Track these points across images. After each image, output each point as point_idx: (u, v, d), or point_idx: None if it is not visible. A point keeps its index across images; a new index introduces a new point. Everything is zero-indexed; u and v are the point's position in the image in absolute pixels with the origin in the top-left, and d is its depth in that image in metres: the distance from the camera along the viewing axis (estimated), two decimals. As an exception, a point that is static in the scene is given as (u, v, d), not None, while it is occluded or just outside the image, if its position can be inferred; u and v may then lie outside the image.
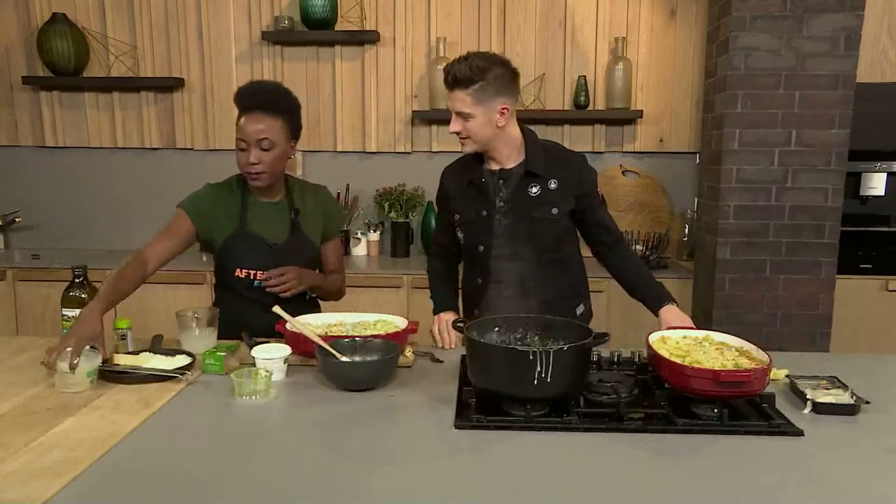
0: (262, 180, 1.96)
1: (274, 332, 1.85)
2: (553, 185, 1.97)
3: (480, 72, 1.83)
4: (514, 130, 1.97)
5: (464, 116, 1.88)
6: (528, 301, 2.00)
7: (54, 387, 1.60)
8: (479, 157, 2.01)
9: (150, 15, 3.70)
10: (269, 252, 2.02)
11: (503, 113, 1.89)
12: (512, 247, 2.00)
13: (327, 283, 2.16)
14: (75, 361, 1.56)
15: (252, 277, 2.03)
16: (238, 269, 2.03)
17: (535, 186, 1.97)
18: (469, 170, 2.03)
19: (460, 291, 2.21)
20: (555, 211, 1.98)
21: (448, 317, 2.05)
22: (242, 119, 1.93)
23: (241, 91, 1.99)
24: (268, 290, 1.96)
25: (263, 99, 1.95)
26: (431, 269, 2.24)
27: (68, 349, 1.56)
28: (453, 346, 1.99)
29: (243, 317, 2.00)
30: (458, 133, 1.92)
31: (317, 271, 2.16)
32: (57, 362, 1.56)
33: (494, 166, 2.00)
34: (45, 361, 1.59)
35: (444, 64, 1.95)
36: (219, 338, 1.94)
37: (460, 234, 2.08)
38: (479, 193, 2.01)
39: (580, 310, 2.14)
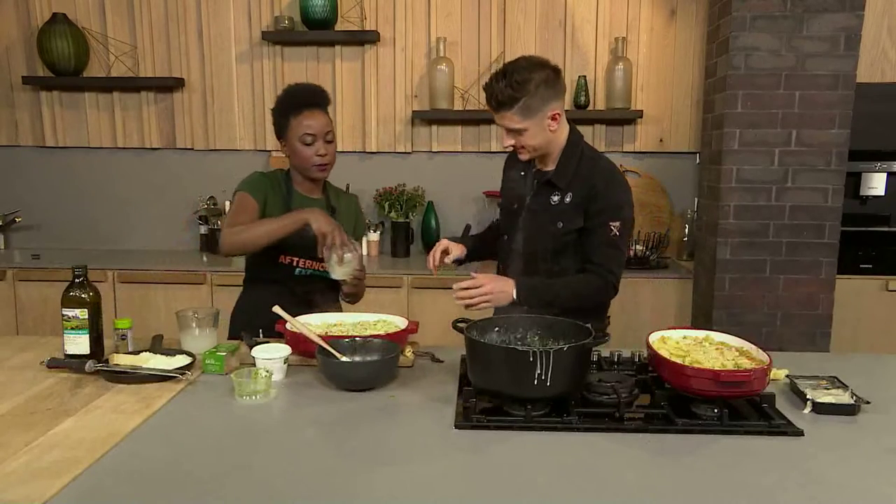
0: (327, 172, 2.12)
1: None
2: (569, 198, 1.93)
3: (521, 87, 1.79)
4: (563, 135, 1.94)
5: (516, 132, 1.86)
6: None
7: (333, 273, 1.92)
8: None
9: (151, 15, 3.70)
10: (313, 243, 2.01)
11: (555, 118, 1.86)
12: (522, 246, 2.00)
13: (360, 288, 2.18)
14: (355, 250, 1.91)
15: (294, 265, 2.09)
16: (283, 256, 2.09)
17: (557, 195, 1.95)
18: (523, 163, 2.03)
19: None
20: (560, 225, 1.94)
21: (448, 244, 2.00)
22: (303, 115, 2.04)
23: (298, 90, 2.12)
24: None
25: (321, 97, 2.11)
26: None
27: (346, 241, 1.87)
28: (434, 266, 1.95)
29: (277, 305, 1.93)
30: (513, 145, 1.91)
31: None
32: (344, 253, 1.87)
33: (540, 166, 2.00)
34: (330, 257, 1.88)
35: (484, 82, 1.89)
36: (249, 327, 1.95)
37: (500, 217, 2.13)
38: (519, 187, 2.04)
39: None
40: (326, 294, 2.13)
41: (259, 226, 1.96)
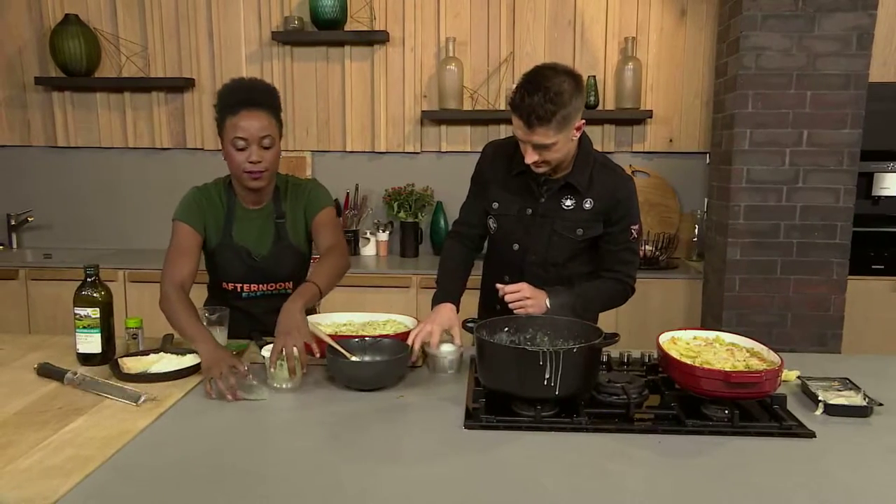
0: (264, 180, 1.89)
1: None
2: (588, 204, 1.88)
3: (559, 98, 1.66)
4: (576, 142, 1.85)
5: (544, 147, 1.73)
6: None
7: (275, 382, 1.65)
8: None
9: (161, 15, 3.72)
10: (253, 265, 1.98)
11: (579, 127, 1.78)
12: (539, 253, 1.93)
13: (326, 280, 1.85)
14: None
15: (239, 290, 2.01)
16: (224, 283, 2.02)
17: (570, 200, 1.88)
18: (521, 161, 1.83)
19: (482, 285, 2.11)
20: (579, 232, 1.90)
21: (443, 320, 1.80)
22: (239, 116, 1.85)
23: (233, 88, 1.93)
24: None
25: (261, 96, 1.90)
26: (450, 255, 2.01)
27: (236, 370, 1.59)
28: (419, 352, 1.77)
29: (233, 323, 1.93)
30: (534, 162, 1.77)
31: (305, 284, 1.82)
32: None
33: (550, 172, 1.87)
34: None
35: (510, 96, 1.74)
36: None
37: (493, 225, 1.98)
38: (526, 189, 1.91)
39: None
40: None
41: (178, 317, 1.76)
